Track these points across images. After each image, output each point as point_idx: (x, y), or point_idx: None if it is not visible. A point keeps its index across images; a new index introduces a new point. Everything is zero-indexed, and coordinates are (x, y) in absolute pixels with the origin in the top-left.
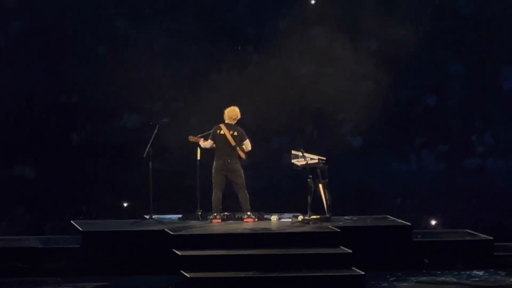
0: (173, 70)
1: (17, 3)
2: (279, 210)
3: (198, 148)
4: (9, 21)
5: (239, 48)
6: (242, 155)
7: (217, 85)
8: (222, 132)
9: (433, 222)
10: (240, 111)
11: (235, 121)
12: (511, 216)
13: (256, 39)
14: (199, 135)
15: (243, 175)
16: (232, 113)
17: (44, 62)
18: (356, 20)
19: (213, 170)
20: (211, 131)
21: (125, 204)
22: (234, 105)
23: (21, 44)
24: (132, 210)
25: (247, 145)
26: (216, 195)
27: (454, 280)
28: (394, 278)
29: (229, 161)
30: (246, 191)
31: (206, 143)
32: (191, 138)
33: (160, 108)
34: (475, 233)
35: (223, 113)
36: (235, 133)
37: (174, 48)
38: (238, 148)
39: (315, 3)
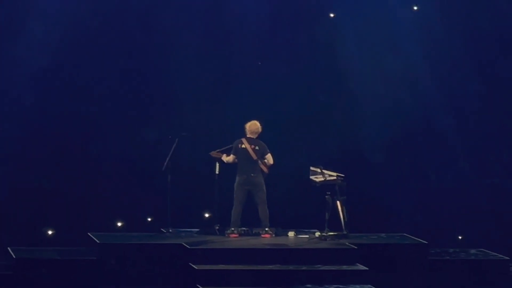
0: (193, 83)
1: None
2: (297, 226)
3: (217, 162)
4: (33, 33)
5: (260, 63)
6: (264, 169)
7: (237, 99)
8: (243, 146)
9: (460, 237)
10: (261, 126)
11: (257, 135)
12: None
13: (278, 54)
14: (219, 150)
15: (265, 189)
16: (253, 127)
17: (63, 72)
18: (377, 36)
19: (235, 185)
20: (233, 145)
21: (149, 219)
22: (253, 119)
23: (40, 54)
24: (150, 223)
25: (269, 159)
26: (236, 210)
27: None
28: None
29: (252, 175)
30: (266, 206)
31: (228, 158)
32: (213, 154)
33: (179, 121)
34: (492, 252)
35: (244, 127)
36: (257, 147)
37: (194, 61)
38: (260, 162)
39: (334, 17)
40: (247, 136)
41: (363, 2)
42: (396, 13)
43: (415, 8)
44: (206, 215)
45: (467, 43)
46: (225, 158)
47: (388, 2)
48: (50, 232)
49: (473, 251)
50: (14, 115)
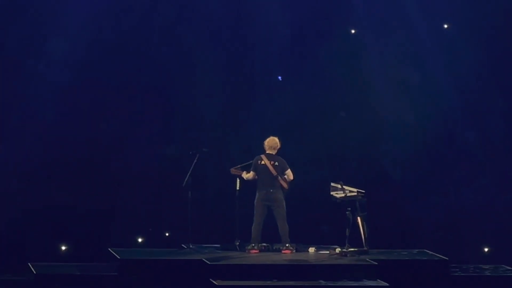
0: (214, 99)
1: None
2: (317, 242)
3: (238, 178)
4: (55, 51)
5: (279, 78)
6: (284, 184)
7: (257, 116)
8: (263, 162)
9: (486, 249)
10: (280, 142)
11: (276, 151)
12: None
13: (299, 70)
14: (239, 166)
15: (285, 205)
16: (272, 142)
17: (84, 88)
18: (398, 51)
19: (255, 201)
20: (252, 161)
21: (167, 234)
22: (274, 135)
23: (63, 71)
24: (171, 239)
25: (289, 174)
26: (256, 226)
27: None
28: None
29: (271, 191)
30: (286, 222)
31: (249, 175)
32: (233, 171)
33: (200, 137)
34: None
35: (263, 143)
36: (276, 163)
37: (215, 77)
38: (280, 178)
39: (355, 32)
40: (266, 152)
41: (384, 18)
42: (418, 28)
43: (446, 26)
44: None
45: (490, 58)
46: (245, 175)
47: (409, 17)
48: (63, 248)
49: (495, 266)
50: (36, 131)
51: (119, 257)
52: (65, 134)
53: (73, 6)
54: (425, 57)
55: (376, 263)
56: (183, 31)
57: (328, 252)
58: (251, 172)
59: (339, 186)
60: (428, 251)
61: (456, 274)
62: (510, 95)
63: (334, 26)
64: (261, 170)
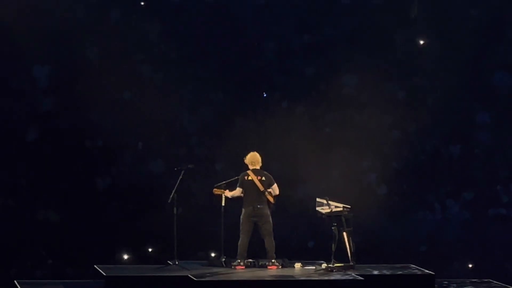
0: (199, 116)
1: (43, 51)
2: (303, 257)
3: (223, 194)
4: (36, 69)
5: (264, 95)
6: (271, 199)
7: (242, 132)
8: (250, 178)
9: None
10: (262, 158)
11: (259, 165)
12: None
13: (283, 86)
14: (224, 182)
15: (271, 221)
16: (254, 158)
17: (70, 106)
18: (383, 69)
19: (241, 217)
20: (239, 178)
21: (152, 250)
22: (259, 151)
23: (48, 89)
24: (156, 256)
25: (275, 189)
26: (242, 242)
27: None
28: None
29: (258, 206)
30: (272, 238)
31: (234, 192)
32: (216, 191)
33: (185, 153)
34: (500, 283)
35: (243, 161)
36: (263, 178)
37: (200, 94)
38: (266, 192)
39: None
40: (251, 168)
41: (367, 32)
42: (396, 44)
43: (422, 42)
44: (212, 254)
45: (472, 72)
46: (229, 194)
47: (386, 31)
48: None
49: (481, 281)
50: (20, 146)
51: (105, 274)
52: (50, 149)
53: None
54: (409, 73)
55: (363, 278)
56: (165, 47)
57: (314, 267)
58: (238, 189)
59: (325, 201)
60: (414, 266)
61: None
62: (493, 108)
63: (318, 41)
64: (248, 186)
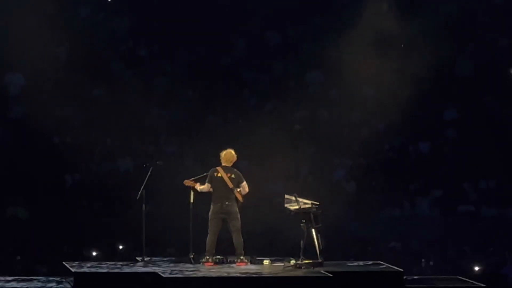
0: (168, 113)
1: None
2: (272, 254)
3: (191, 191)
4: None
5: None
6: (240, 197)
7: (211, 129)
8: (219, 174)
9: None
10: (237, 155)
11: (232, 164)
12: (505, 263)
13: (252, 84)
14: (193, 178)
15: (239, 218)
16: (229, 155)
17: (38, 103)
18: (352, 67)
19: (210, 214)
20: (208, 173)
21: (120, 247)
22: (229, 148)
23: (16, 86)
24: (125, 252)
25: (245, 187)
26: (210, 238)
27: None
28: None
29: (226, 203)
30: (240, 234)
31: (203, 187)
32: (187, 182)
33: (154, 150)
34: (468, 280)
35: (218, 155)
36: (233, 176)
37: (169, 91)
38: (235, 190)
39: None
40: (223, 164)
41: (337, 30)
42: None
43: (402, 45)
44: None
45: (439, 70)
46: (199, 187)
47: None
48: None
49: (449, 278)
50: None
51: (73, 271)
52: (18, 146)
53: None
54: (376, 71)
55: (331, 275)
56: (134, 44)
57: (282, 264)
58: (206, 184)
59: (293, 198)
60: (383, 263)
61: (411, 285)
62: (461, 106)
63: (286, 38)
64: (217, 183)
